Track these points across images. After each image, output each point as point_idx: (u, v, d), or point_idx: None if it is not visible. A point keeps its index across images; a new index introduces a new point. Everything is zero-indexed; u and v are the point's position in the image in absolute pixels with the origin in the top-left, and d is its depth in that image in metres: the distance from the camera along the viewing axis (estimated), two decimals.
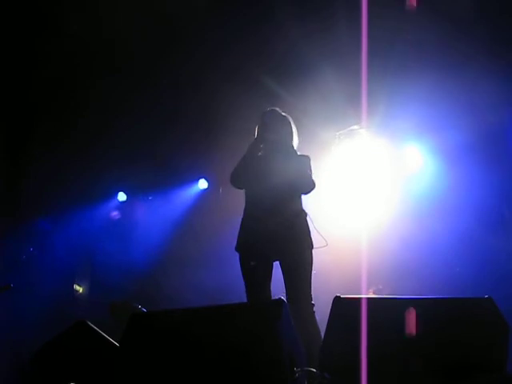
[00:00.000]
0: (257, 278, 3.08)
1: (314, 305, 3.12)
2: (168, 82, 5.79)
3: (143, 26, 5.03)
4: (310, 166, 3.33)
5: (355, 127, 5.77)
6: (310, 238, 3.23)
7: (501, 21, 4.74)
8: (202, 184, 6.80)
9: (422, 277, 5.33)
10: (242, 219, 3.32)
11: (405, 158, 5.86)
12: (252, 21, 5.11)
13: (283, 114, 3.46)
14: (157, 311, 2.90)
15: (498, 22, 4.73)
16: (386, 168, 5.86)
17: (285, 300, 2.39)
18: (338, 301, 2.30)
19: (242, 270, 3.23)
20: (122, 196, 7.02)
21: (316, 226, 3.32)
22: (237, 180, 3.33)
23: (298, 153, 3.42)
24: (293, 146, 3.40)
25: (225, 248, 6.42)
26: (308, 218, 3.28)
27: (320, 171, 3.37)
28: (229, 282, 6.05)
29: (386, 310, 2.23)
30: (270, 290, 3.22)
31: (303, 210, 3.30)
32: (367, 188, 5.88)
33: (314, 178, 3.30)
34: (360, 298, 2.28)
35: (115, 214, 6.90)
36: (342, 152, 5.96)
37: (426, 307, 2.23)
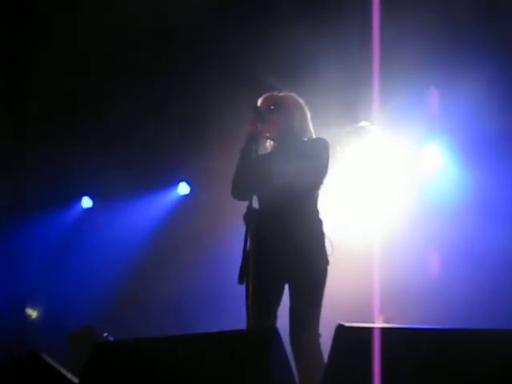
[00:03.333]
0: (260, 300, 3.01)
1: (320, 335, 3.08)
2: (145, 73, 5.82)
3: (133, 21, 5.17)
4: (324, 156, 3.17)
5: (364, 124, 5.77)
6: (326, 254, 3.15)
7: None
8: (183, 189, 6.77)
9: (443, 302, 5.32)
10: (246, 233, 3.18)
11: (422, 159, 5.88)
12: (253, 12, 5.19)
13: (281, 94, 3.36)
14: (127, 340, 2.85)
15: None
16: (401, 170, 5.87)
17: (277, 328, 2.36)
18: (341, 330, 2.25)
19: (246, 292, 3.12)
20: (86, 201, 6.99)
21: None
22: (238, 193, 3.22)
23: (312, 132, 3.32)
24: (303, 129, 3.30)
25: (209, 266, 6.49)
26: (323, 228, 3.19)
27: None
28: (213, 305, 6.07)
29: (400, 342, 2.18)
30: (275, 317, 3.15)
31: (319, 219, 3.21)
32: (378, 193, 5.89)
33: (322, 171, 3.16)
34: (368, 328, 2.24)
35: None
36: (350, 152, 5.96)
37: (449, 339, 2.19)
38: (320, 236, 3.16)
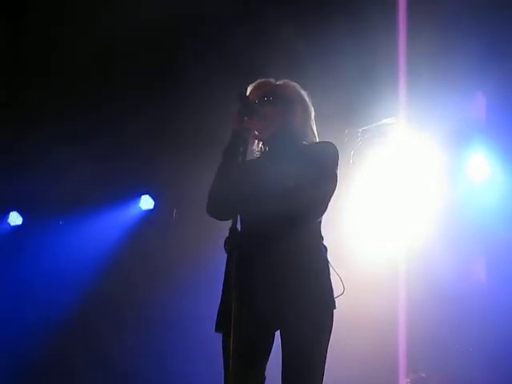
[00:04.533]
0: (240, 355, 2.99)
1: None
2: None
3: None
4: (331, 168, 3.16)
5: (388, 121, 5.82)
6: (333, 294, 3.13)
7: None
8: (146, 203, 6.83)
9: (492, 358, 5.32)
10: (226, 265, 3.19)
11: (464, 166, 5.93)
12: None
13: (279, 82, 3.35)
14: None
15: None
16: (435, 180, 5.91)
17: None
18: None
19: (223, 344, 3.13)
20: (14, 218, 7.00)
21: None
22: (215, 208, 3.19)
23: (316, 135, 3.31)
24: (305, 130, 3.29)
25: (179, 304, 6.41)
26: (327, 258, 3.16)
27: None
28: (184, 357, 6.05)
29: None
30: (262, 374, 3.12)
31: (322, 245, 3.20)
32: (405, 209, 5.93)
33: (329, 189, 3.18)
34: None
35: None
36: (368, 157, 6.00)
37: None
38: (324, 269, 3.14)
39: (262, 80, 3.37)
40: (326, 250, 3.20)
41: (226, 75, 5.31)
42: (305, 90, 3.38)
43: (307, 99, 3.37)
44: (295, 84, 3.39)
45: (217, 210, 3.21)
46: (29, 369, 6.34)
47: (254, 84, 3.36)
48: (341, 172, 3.23)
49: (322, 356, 3.08)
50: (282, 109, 3.28)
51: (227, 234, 2.98)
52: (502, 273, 5.58)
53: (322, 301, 3.10)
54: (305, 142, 3.30)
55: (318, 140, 3.36)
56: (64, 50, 5.73)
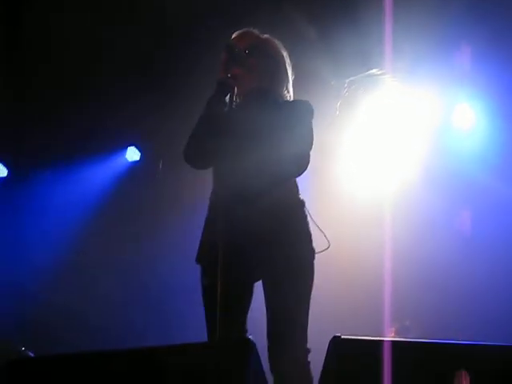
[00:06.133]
0: (226, 304, 3.04)
1: (309, 350, 3.12)
2: None
3: None
4: (307, 122, 3.21)
5: (374, 71, 5.81)
6: (311, 244, 3.18)
7: None
8: (132, 154, 6.82)
9: (476, 307, 5.42)
10: (207, 215, 3.25)
11: (448, 116, 5.97)
12: None
13: (263, 36, 3.35)
14: (53, 356, 2.88)
15: None
16: (420, 131, 5.95)
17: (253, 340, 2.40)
18: (336, 343, 2.28)
19: (202, 291, 3.19)
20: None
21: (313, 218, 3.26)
22: (195, 155, 3.20)
23: (292, 97, 3.33)
24: (281, 90, 3.31)
25: (167, 255, 6.48)
26: (306, 211, 3.20)
27: (318, 136, 3.30)
28: (170, 307, 6.12)
29: (412, 360, 2.23)
30: (245, 325, 3.19)
31: (299, 199, 3.24)
32: (391, 156, 6.01)
33: (308, 143, 3.22)
34: (371, 341, 2.30)
35: None
36: (354, 108, 6.00)
37: (477, 358, 2.25)
38: (301, 220, 3.18)
39: (246, 30, 3.36)
40: (304, 203, 3.22)
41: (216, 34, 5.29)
42: (290, 44, 3.38)
43: (289, 60, 3.37)
44: (279, 42, 3.39)
45: (195, 157, 3.23)
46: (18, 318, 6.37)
47: (238, 33, 3.35)
48: (322, 128, 3.26)
49: (305, 306, 3.12)
50: (266, 64, 3.29)
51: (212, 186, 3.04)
52: (484, 218, 5.67)
53: (302, 250, 3.14)
54: (281, 100, 3.31)
55: (289, 92, 3.38)
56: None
